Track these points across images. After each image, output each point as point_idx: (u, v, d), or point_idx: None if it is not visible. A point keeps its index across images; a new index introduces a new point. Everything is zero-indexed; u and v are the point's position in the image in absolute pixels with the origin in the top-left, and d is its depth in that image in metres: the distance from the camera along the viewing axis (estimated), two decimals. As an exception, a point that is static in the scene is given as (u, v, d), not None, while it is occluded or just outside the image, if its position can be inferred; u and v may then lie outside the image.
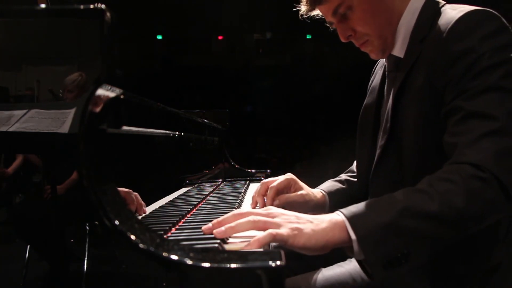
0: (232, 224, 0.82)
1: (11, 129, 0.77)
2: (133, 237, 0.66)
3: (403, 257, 0.79)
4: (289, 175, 1.27)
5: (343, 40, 1.13)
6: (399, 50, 1.10)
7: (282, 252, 0.63)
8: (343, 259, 1.14)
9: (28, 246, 0.87)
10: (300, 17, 1.18)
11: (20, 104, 0.81)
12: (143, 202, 1.11)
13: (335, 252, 0.86)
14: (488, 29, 0.93)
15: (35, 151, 0.86)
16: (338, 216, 0.83)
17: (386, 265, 0.79)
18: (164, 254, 0.64)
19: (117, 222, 0.67)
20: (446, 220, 0.79)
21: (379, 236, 0.79)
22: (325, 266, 1.10)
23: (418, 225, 0.79)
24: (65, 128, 0.75)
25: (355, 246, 0.80)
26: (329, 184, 1.37)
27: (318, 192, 1.32)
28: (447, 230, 0.80)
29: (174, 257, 0.63)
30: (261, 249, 0.75)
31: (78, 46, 0.85)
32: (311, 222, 0.82)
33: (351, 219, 0.81)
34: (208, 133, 2.01)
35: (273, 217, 0.83)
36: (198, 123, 1.88)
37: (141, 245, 0.65)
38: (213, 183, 1.93)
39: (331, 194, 1.32)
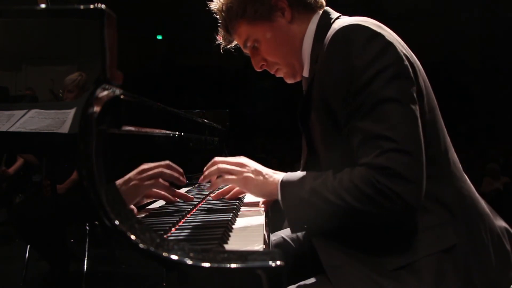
0: (208, 178, 1.16)
1: (11, 129, 0.77)
2: (133, 237, 0.66)
3: (310, 222, 1.02)
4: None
5: (257, 69, 1.25)
6: (306, 72, 1.18)
7: (282, 252, 0.64)
8: None
9: (28, 246, 0.87)
10: (221, 51, 1.33)
11: (20, 104, 0.81)
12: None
13: None
14: (357, 44, 0.97)
15: (35, 151, 0.86)
16: (280, 177, 1.08)
17: (302, 222, 1.04)
18: (164, 254, 0.64)
19: (117, 222, 0.67)
20: (336, 208, 0.96)
21: (294, 203, 1.03)
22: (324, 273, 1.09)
23: (319, 204, 0.98)
24: (65, 128, 0.75)
25: (280, 203, 1.06)
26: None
27: None
28: (337, 217, 0.98)
29: (174, 257, 0.63)
30: (261, 249, 0.75)
31: (78, 46, 0.85)
32: (262, 175, 1.10)
33: (283, 184, 1.06)
34: (208, 133, 2.01)
35: (237, 165, 1.12)
36: (198, 123, 1.88)
37: (141, 245, 0.65)
38: (213, 183, 1.93)
39: None
